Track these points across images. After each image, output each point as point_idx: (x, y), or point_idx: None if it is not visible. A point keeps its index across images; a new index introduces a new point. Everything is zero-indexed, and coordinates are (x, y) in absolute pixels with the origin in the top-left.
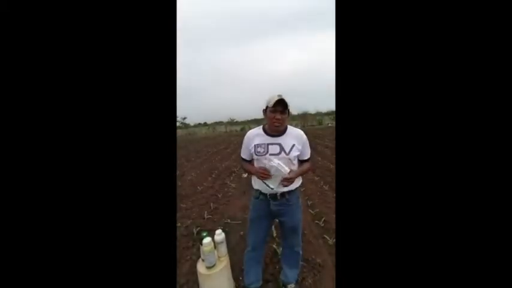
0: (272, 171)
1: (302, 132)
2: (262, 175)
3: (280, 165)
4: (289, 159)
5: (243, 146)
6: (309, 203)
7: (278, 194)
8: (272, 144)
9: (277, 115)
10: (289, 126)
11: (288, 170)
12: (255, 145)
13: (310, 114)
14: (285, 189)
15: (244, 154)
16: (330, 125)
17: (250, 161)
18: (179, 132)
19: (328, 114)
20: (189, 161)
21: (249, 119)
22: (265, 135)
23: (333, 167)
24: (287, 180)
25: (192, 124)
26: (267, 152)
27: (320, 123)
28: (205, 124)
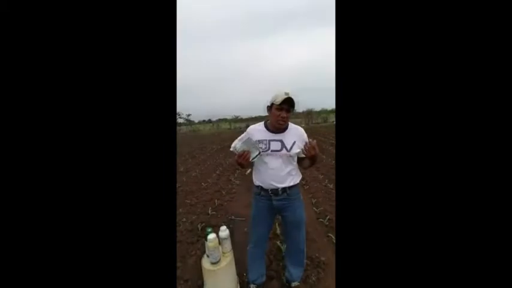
0: (247, 148)
1: (303, 130)
2: (242, 159)
3: (247, 140)
4: (290, 155)
5: None
6: (313, 201)
7: (279, 189)
8: (274, 140)
9: (282, 113)
10: (290, 124)
11: (251, 138)
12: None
13: (315, 112)
14: (286, 184)
15: None
16: (334, 122)
17: None
18: (184, 129)
19: (333, 111)
20: (194, 157)
21: (253, 116)
22: (267, 131)
23: None
24: (310, 148)
25: (196, 121)
26: (269, 148)
27: (325, 120)
28: (209, 121)
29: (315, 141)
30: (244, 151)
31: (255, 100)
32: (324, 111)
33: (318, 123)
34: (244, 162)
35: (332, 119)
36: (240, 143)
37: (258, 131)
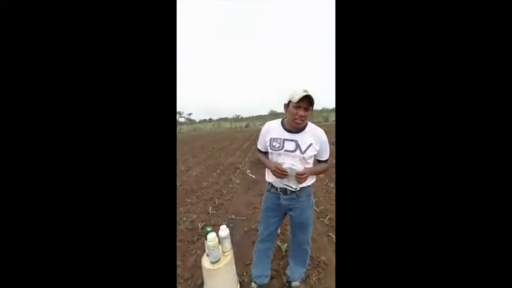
0: (288, 172)
1: (322, 132)
2: (279, 175)
3: (293, 165)
4: (304, 157)
5: (260, 137)
6: (314, 200)
7: (288, 190)
8: (288, 140)
9: (300, 111)
10: (309, 124)
11: (302, 168)
12: (270, 138)
13: (316, 111)
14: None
15: (260, 145)
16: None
17: (266, 153)
18: (184, 128)
19: (334, 111)
20: (194, 156)
21: (254, 115)
22: (283, 130)
23: None
24: (300, 177)
25: (197, 120)
26: (282, 147)
27: (326, 119)
28: (210, 120)
29: (305, 175)
30: (284, 171)
31: (256, 99)
32: (325, 110)
33: (319, 122)
34: (278, 175)
35: (333, 118)
36: (287, 166)
37: (274, 128)
